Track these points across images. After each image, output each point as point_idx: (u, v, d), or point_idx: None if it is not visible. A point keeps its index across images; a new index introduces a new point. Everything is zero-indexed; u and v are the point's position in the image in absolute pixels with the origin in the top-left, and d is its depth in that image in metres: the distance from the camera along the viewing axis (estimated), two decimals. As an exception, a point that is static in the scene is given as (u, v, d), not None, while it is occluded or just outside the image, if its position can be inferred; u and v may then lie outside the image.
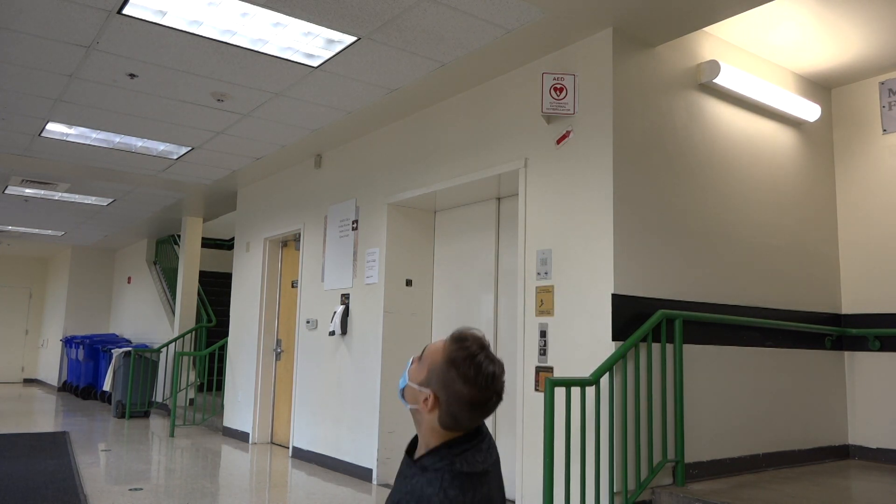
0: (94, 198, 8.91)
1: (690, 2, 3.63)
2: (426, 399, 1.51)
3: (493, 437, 4.83)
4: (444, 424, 1.51)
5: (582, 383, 3.45)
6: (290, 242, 7.37)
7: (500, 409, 4.88)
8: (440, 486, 1.46)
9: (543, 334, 4.05)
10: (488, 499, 1.53)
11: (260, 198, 7.72)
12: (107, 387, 9.53)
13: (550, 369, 3.98)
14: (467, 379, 1.47)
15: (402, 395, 1.60)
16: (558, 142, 4.12)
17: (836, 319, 5.02)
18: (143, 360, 9.34)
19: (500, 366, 1.52)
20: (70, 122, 5.83)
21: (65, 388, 12.89)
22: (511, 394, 4.75)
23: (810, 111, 4.90)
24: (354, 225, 5.91)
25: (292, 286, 7.22)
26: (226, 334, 8.26)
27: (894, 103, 4.92)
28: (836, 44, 4.55)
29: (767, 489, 3.77)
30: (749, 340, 4.38)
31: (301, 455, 6.38)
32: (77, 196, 8.81)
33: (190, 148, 6.48)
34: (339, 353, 5.98)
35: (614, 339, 3.68)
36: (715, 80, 4.27)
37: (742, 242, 4.47)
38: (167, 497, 4.87)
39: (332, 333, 5.96)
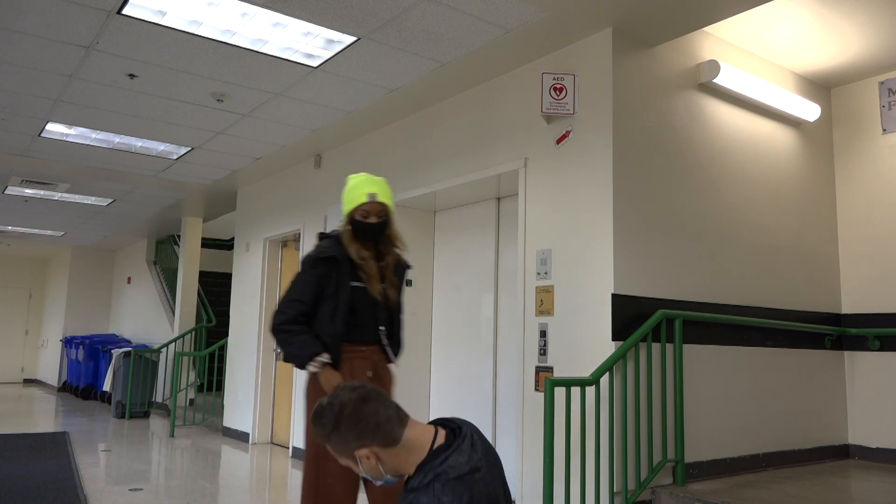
0: (93, 198, 8.91)
1: (690, 2, 3.63)
2: (367, 457, 1.59)
3: (493, 437, 4.84)
4: (389, 444, 1.59)
5: (582, 383, 3.45)
6: (290, 242, 7.37)
7: (501, 409, 4.89)
8: (433, 496, 1.49)
9: (543, 334, 4.05)
10: (486, 494, 1.53)
11: (260, 198, 7.72)
12: (107, 387, 9.53)
13: (550, 369, 3.98)
14: (350, 426, 1.59)
15: (385, 480, 1.65)
16: (558, 142, 4.12)
17: (836, 319, 5.01)
18: (142, 361, 9.33)
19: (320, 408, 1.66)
20: (70, 123, 5.82)
21: (65, 388, 12.88)
22: (511, 394, 4.76)
23: (810, 111, 4.90)
24: (354, 225, 5.90)
25: (292, 286, 7.20)
26: (226, 334, 8.25)
27: (894, 103, 4.91)
28: (836, 44, 4.55)
29: (767, 489, 3.77)
30: (749, 340, 4.38)
31: (301, 455, 6.35)
32: (77, 196, 8.81)
33: (190, 148, 6.48)
34: (339, 353, 5.96)
35: (614, 338, 3.68)
36: (714, 80, 4.27)
37: (742, 242, 4.47)
38: (167, 497, 4.87)
39: (332, 333, 5.95)
